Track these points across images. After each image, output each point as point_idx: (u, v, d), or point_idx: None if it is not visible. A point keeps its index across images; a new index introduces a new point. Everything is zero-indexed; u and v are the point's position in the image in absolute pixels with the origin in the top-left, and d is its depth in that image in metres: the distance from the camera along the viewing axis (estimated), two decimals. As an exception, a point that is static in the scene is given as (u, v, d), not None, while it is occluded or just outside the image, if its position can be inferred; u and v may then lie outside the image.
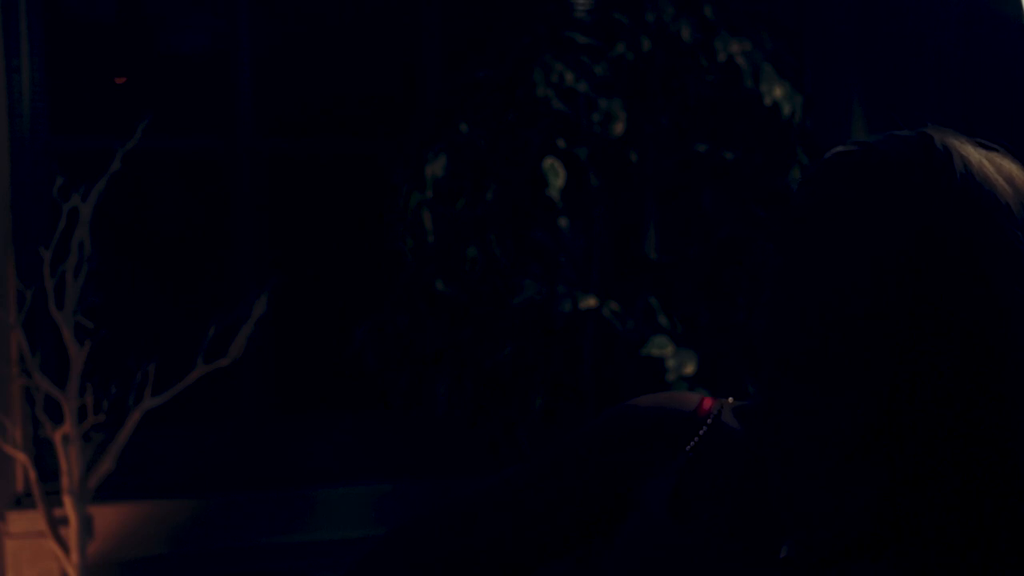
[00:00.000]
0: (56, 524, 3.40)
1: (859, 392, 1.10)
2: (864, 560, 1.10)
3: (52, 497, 3.48)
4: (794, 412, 1.15)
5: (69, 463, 3.34)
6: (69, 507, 3.34)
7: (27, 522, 3.56)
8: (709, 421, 1.23)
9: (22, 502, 3.67)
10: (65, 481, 3.35)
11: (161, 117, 3.67)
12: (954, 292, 1.07)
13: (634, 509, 1.21)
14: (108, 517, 3.64)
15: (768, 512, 1.15)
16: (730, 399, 1.26)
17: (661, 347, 3.32)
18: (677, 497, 1.18)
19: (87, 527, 3.37)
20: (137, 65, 4.04)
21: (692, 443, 1.22)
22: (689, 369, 3.32)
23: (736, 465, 1.19)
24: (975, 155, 1.12)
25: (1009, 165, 1.13)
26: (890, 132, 1.16)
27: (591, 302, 3.38)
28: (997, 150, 1.15)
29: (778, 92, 3.48)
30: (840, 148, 1.15)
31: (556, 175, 3.34)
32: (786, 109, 3.50)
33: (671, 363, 3.32)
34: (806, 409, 1.13)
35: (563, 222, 3.43)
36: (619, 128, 3.37)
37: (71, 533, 3.34)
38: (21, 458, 3.46)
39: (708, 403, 1.25)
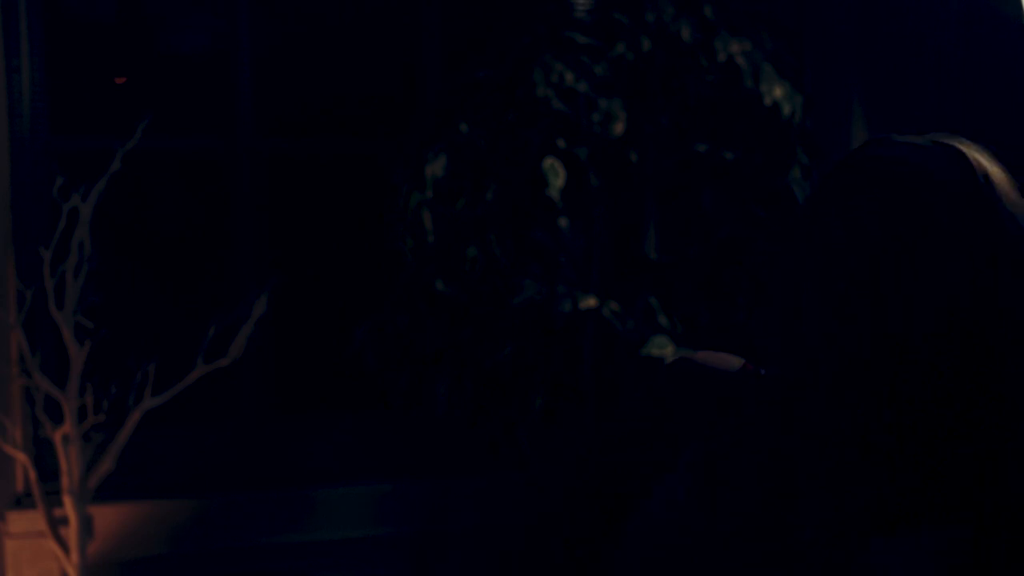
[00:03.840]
0: (56, 524, 3.40)
1: (859, 392, 1.10)
2: (877, 541, 1.10)
3: (52, 497, 3.48)
4: (795, 412, 1.15)
5: (69, 463, 3.34)
6: (69, 507, 3.34)
7: (27, 522, 3.56)
8: (734, 398, 1.23)
9: (22, 502, 3.66)
10: (65, 481, 3.35)
11: (161, 117, 3.67)
12: (957, 294, 1.08)
13: (657, 486, 1.22)
14: (108, 517, 3.64)
15: (785, 495, 1.15)
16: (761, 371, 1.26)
17: (661, 347, 3.32)
18: (698, 477, 1.19)
19: (87, 527, 3.37)
20: (137, 65, 4.04)
21: (715, 416, 1.22)
22: (689, 369, 3.32)
23: (755, 448, 1.19)
24: (997, 172, 1.13)
25: (1002, 172, 1.15)
26: (910, 140, 1.16)
27: (591, 302, 3.38)
28: (987, 151, 1.16)
29: (778, 92, 3.48)
30: (867, 157, 1.15)
31: (556, 175, 3.34)
32: (786, 109, 3.50)
33: (671, 363, 3.31)
34: (807, 409, 1.13)
35: (563, 222, 3.43)
36: (619, 128, 3.37)
37: (71, 533, 3.34)
38: (21, 458, 3.46)
39: (749, 368, 1.26)
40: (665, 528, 1.18)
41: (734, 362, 1.27)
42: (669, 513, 1.18)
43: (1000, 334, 1.08)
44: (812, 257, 1.12)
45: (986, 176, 1.12)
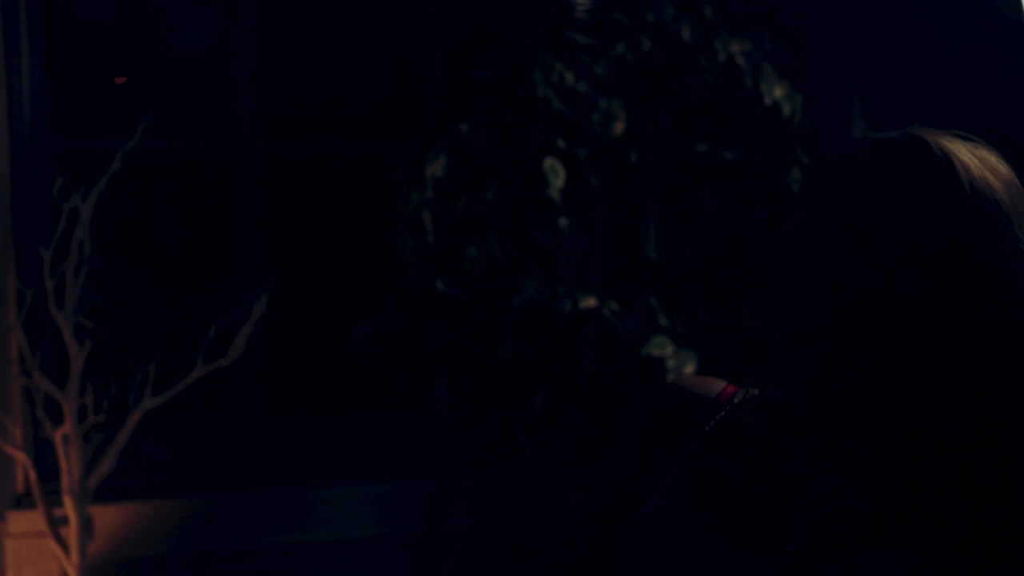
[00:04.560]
0: (56, 524, 3.40)
1: (854, 397, 1.10)
2: (866, 548, 1.10)
3: (52, 497, 3.48)
4: (813, 409, 1.15)
5: (69, 463, 3.34)
6: (69, 507, 3.34)
7: (27, 522, 3.56)
8: (725, 411, 1.23)
9: (22, 502, 3.67)
10: (65, 481, 3.35)
11: (161, 117, 3.67)
12: (969, 295, 1.08)
13: (652, 493, 1.22)
14: (108, 517, 3.64)
15: (777, 502, 1.15)
16: (752, 390, 1.26)
17: (661, 347, 3.32)
18: (691, 482, 1.19)
19: (87, 527, 3.37)
20: (137, 65, 4.04)
21: (707, 428, 1.22)
22: (689, 369, 3.32)
23: (748, 454, 1.19)
24: (970, 159, 1.13)
25: (991, 157, 1.14)
26: (879, 136, 1.16)
27: (591, 302, 3.38)
28: (977, 141, 1.16)
29: (778, 92, 3.48)
30: (838, 154, 1.16)
31: (556, 175, 3.34)
32: (786, 109, 3.50)
33: (671, 363, 3.32)
34: (825, 406, 1.13)
35: (563, 222, 3.43)
36: (619, 128, 3.37)
37: (71, 533, 3.34)
38: (21, 458, 3.46)
39: (731, 390, 1.26)
40: (661, 530, 1.18)
41: (717, 387, 1.27)
42: (666, 515, 1.18)
43: (1000, 334, 1.08)
44: (807, 260, 1.12)
45: (947, 158, 1.11)
